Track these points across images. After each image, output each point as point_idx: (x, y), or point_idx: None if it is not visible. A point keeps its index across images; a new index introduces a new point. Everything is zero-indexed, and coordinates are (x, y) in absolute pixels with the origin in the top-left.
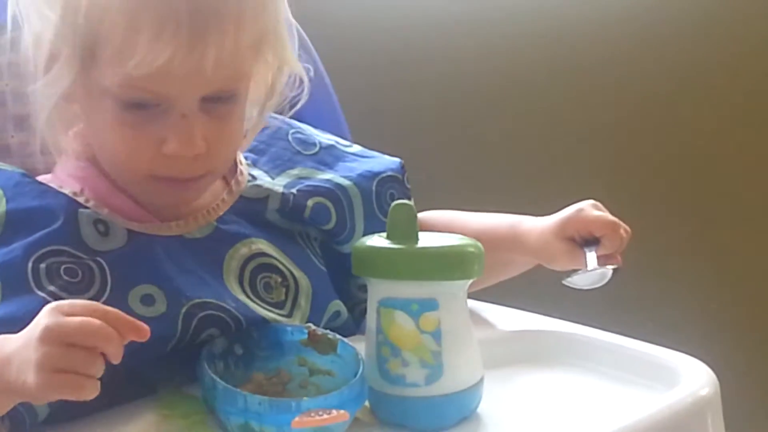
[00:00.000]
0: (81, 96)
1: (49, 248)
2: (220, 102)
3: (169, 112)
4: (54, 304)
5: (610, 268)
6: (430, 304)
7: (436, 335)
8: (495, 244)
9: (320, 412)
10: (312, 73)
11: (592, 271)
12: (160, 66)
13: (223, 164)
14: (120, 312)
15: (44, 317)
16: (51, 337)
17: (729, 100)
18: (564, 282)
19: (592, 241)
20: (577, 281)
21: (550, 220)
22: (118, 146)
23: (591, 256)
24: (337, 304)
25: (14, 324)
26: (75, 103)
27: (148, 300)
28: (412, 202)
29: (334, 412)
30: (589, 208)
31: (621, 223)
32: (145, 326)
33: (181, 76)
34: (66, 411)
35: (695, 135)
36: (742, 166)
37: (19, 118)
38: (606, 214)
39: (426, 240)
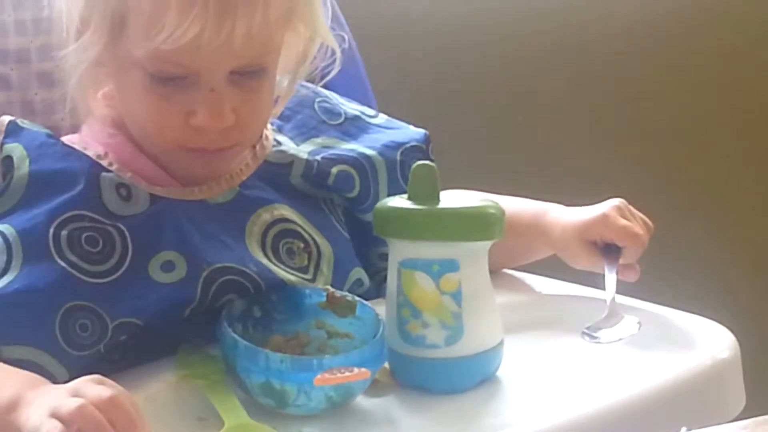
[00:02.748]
0: (110, 63)
1: (70, 213)
2: (249, 75)
3: (197, 85)
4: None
5: (635, 329)
6: (451, 265)
7: (457, 296)
8: (517, 231)
9: (342, 370)
10: (346, 44)
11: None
12: (189, 41)
13: (252, 135)
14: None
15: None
16: None
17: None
18: (585, 331)
19: (613, 248)
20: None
21: (575, 217)
22: (148, 117)
23: (610, 279)
24: (359, 272)
25: (34, 296)
26: (104, 68)
27: (168, 267)
28: (433, 164)
29: (356, 369)
30: (614, 214)
31: (644, 225)
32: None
33: (209, 51)
34: (86, 372)
35: (721, 108)
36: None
37: (43, 75)
38: (631, 225)
39: (447, 201)
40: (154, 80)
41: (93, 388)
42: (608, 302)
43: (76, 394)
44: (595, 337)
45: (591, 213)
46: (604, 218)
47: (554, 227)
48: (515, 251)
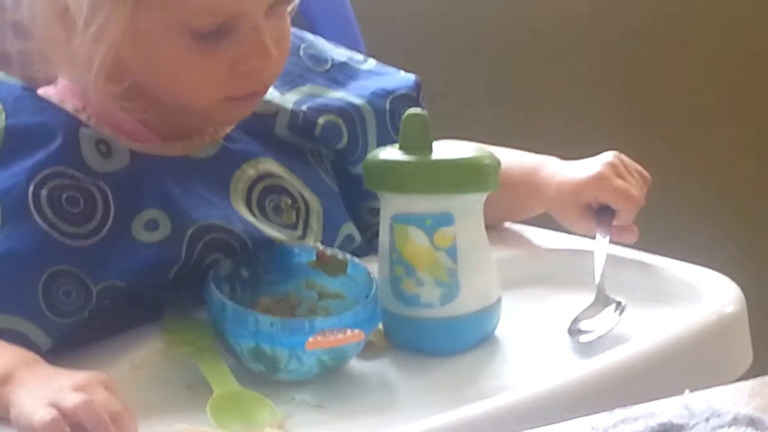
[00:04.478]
0: (128, 42)
1: (50, 170)
2: (279, 3)
3: (238, 28)
4: None
5: (618, 317)
6: (445, 219)
7: (452, 252)
8: (509, 187)
9: (335, 332)
10: None
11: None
12: None
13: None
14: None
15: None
16: None
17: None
18: (571, 327)
19: (608, 210)
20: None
21: (569, 175)
22: (190, 78)
23: (601, 249)
24: (350, 227)
25: (15, 261)
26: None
27: (151, 225)
28: (425, 112)
29: (349, 331)
30: (609, 173)
31: (641, 179)
32: None
33: None
34: (70, 339)
35: (723, 52)
36: None
37: (19, 25)
38: (626, 186)
39: (440, 151)
40: (195, 39)
41: (101, 392)
42: (596, 281)
43: (81, 391)
44: (579, 334)
45: (585, 172)
46: (598, 179)
47: (548, 186)
48: (508, 208)
